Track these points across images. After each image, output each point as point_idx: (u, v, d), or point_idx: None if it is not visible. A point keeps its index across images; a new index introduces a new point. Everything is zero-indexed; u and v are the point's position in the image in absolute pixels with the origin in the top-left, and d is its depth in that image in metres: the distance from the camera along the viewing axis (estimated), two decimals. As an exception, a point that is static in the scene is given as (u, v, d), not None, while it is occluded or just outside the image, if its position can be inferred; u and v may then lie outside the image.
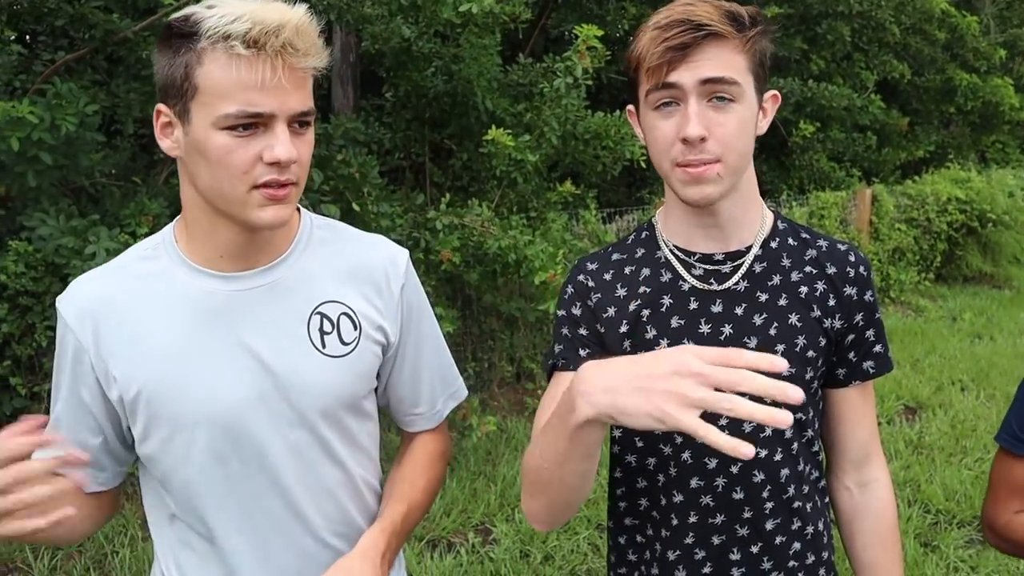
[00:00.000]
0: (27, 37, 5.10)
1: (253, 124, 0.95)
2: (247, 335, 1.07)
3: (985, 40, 10.24)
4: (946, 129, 10.78)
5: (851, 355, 1.20)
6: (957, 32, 9.69)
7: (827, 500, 1.29)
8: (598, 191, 6.39)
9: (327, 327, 1.10)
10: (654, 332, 1.18)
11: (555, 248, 4.22)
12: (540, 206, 5.20)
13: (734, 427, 1.15)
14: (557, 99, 4.61)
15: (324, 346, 1.10)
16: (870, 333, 1.21)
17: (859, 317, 1.19)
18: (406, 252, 1.21)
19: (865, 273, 1.19)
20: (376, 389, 1.22)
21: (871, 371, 1.21)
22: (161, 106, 1.00)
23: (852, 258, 1.20)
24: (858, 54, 9.09)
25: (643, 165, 5.63)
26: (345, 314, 1.12)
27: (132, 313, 1.06)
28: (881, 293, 7.92)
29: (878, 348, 1.22)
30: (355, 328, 1.12)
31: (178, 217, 1.12)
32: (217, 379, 1.05)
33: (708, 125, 1.04)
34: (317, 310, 1.10)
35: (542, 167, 4.91)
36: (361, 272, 1.15)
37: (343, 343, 1.11)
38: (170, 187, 4.49)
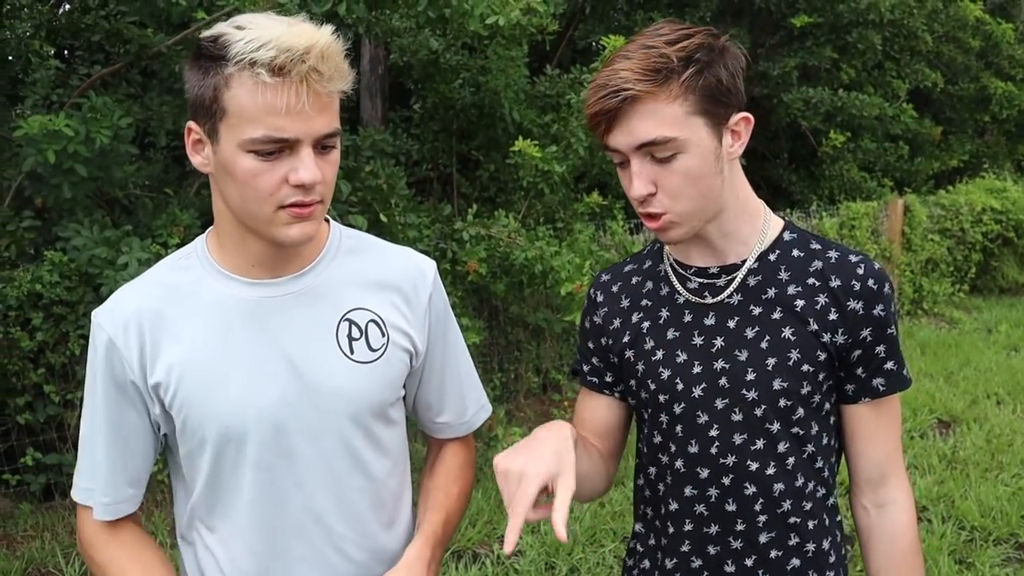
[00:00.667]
0: (65, 52, 5.23)
1: (279, 148, 0.97)
2: (279, 339, 1.09)
3: (1021, 48, 10.07)
4: (980, 138, 10.60)
5: (859, 371, 1.17)
6: (992, 40, 9.54)
7: (839, 519, 1.26)
8: (625, 202, 6.37)
9: (355, 333, 1.11)
10: (652, 343, 1.22)
11: (582, 259, 4.22)
12: (567, 217, 5.20)
13: (725, 433, 1.16)
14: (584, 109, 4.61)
15: (352, 352, 1.11)
16: (880, 349, 1.17)
17: (866, 332, 1.15)
18: (433, 263, 1.23)
19: (875, 287, 1.15)
20: (404, 398, 1.23)
21: (881, 388, 1.17)
22: (192, 124, 1.02)
23: (861, 271, 1.15)
24: (889, 63, 8.97)
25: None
26: (373, 321, 1.13)
27: (169, 321, 1.08)
28: (914, 305, 7.80)
29: (890, 365, 1.17)
30: (383, 335, 1.14)
31: (210, 228, 1.15)
32: (252, 381, 1.07)
33: (654, 179, 1.08)
34: (346, 317, 1.12)
35: (569, 178, 4.91)
36: (389, 281, 1.17)
37: (371, 349, 1.12)
38: (201, 198, 4.55)
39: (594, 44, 6.80)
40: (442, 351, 1.23)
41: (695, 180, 1.08)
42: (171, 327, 1.07)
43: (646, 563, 1.29)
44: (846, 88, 8.11)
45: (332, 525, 1.12)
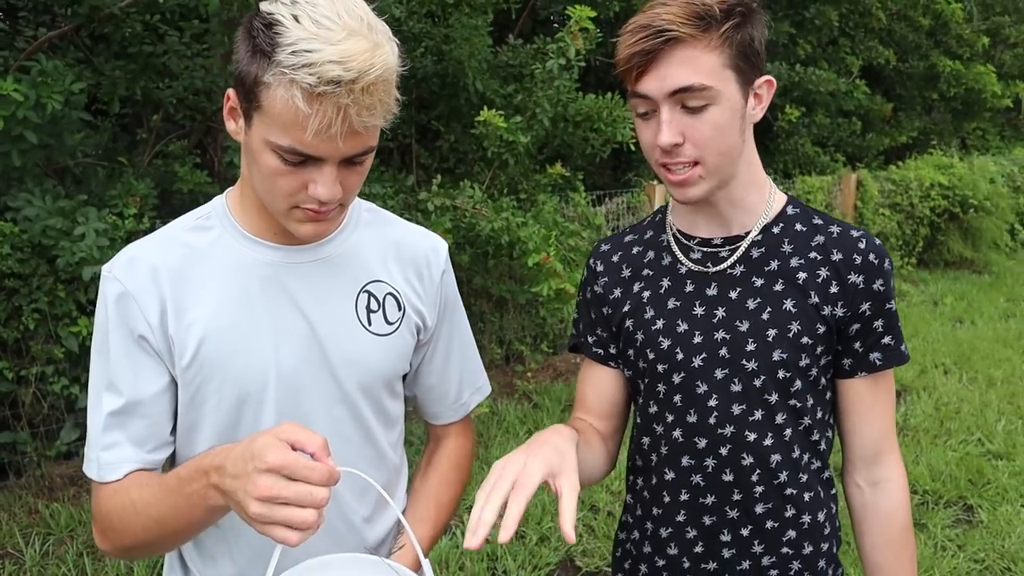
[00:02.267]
0: (6, 12, 4.99)
1: (303, 160, 0.94)
2: (300, 304, 1.07)
3: (968, 27, 10.32)
4: (928, 115, 10.86)
5: (857, 345, 1.18)
6: (941, 19, 9.76)
7: (833, 492, 1.27)
8: (586, 174, 6.38)
9: (373, 306, 1.10)
10: (652, 313, 1.21)
11: (548, 230, 4.21)
12: (530, 188, 5.18)
13: (724, 403, 1.16)
14: (549, 80, 4.58)
15: (370, 324, 1.10)
16: (878, 324, 1.17)
17: (865, 306, 1.16)
18: (445, 243, 1.21)
19: (876, 261, 1.15)
20: (405, 376, 1.21)
21: (878, 363, 1.17)
22: (231, 92, 0.98)
23: (862, 245, 1.16)
24: (844, 39, 9.12)
25: (632, 148, 5.63)
26: (391, 294, 1.12)
27: (190, 281, 1.04)
28: (864, 277, 7.99)
29: (887, 340, 1.18)
30: (399, 309, 1.13)
31: (230, 189, 1.12)
32: (274, 344, 1.05)
33: (683, 130, 1.06)
34: (365, 288, 1.11)
35: (532, 149, 4.89)
36: (405, 256, 1.16)
37: (387, 322, 1.11)
38: (155, 168, 4.42)
39: (553, 16, 6.73)
40: (449, 331, 1.22)
41: (723, 134, 1.07)
42: (193, 287, 1.04)
43: (636, 534, 1.29)
44: (802, 63, 8.21)
45: (343, 493, 1.11)
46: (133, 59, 3.97)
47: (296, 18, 0.90)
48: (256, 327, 1.05)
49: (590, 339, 1.31)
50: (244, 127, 0.98)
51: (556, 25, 7.69)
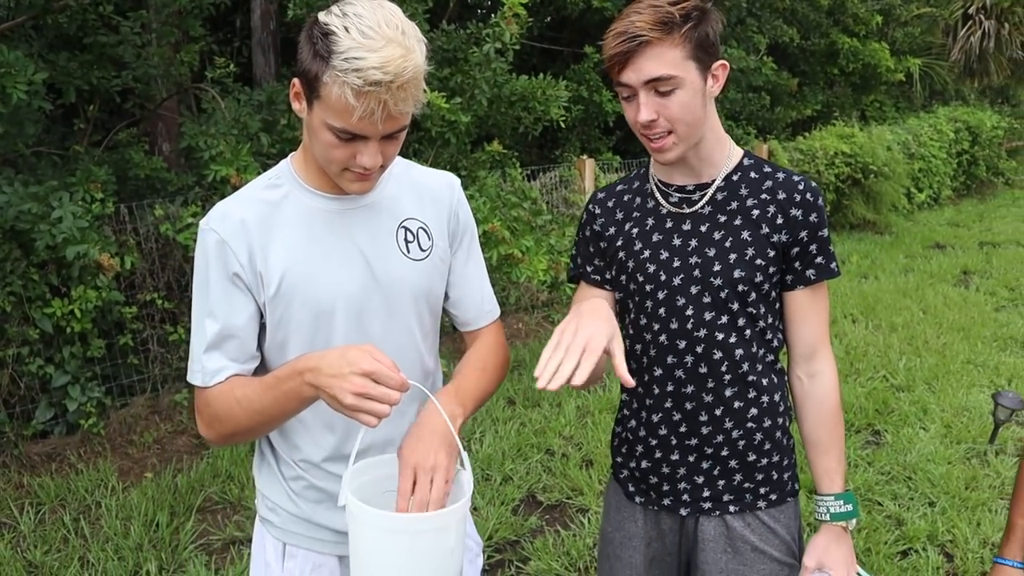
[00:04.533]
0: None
1: (352, 137, 1.22)
2: (355, 241, 1.34)
3: (863, 6, 11.00)
4: (831, 89, 11.53)
5: (796, 264, 1.46)
6: (839, -1, 10.39)
7: (785, 379, 1.54)
8: (520, 151, 6.68)
9: (409, 238, 1.39)
10: (640, 245, 1.50)
11: (492, 202, 4.51)
12: (469, 165, 5.46)
13: (698, 312, 1.43)
14: (487, 63, 4.86)
15: (409, 252, 1.38)
16: (813, 247, 1.45)
17: (803, 234, 1.44)
18: (458, 179, 1.50)
19: (811, 199, 1.44)
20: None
21: (812, 277, 1.46)
22: (296, 80, 1.25)
23: (801, 187, 1.45)
24: (751, 19, 9.63)
25: (561, 126, 5.97)
26: (422, 228, 1.41)
27: (270, 228, 1.31)
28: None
29: (820, 259, 1.46)
30: (429, 239, 1.41)
31: (293, 154, 1.39)
32: (339, 273, 1.32)
33: (657, 109, 1.34)
34: (402, 224, 1.39)
35: (472, 128, 5.17)
36: (427, 193, 1.44)
37: (421, 250, 1.40)
38: (109, 155, 4.53)
39: (481, 2, 7.00)
40: (467, 250, 1.50)
41: (688, 109, 1.35)
42: (272, 233, 1.31)
43: (633, 423, 1.56)
44: (714, 43, 8.65)
45: (404, 402, 1.34)
46: (89, 50, 4.08)
47: (347, 29, 1.17)
48: (323, 260, 1.32)
49: (589, 268, 1.58)
50: (307, 108, 1.25)
51: (480, 11, 7.96)
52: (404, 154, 1.39)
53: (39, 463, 3.74)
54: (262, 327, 1.35)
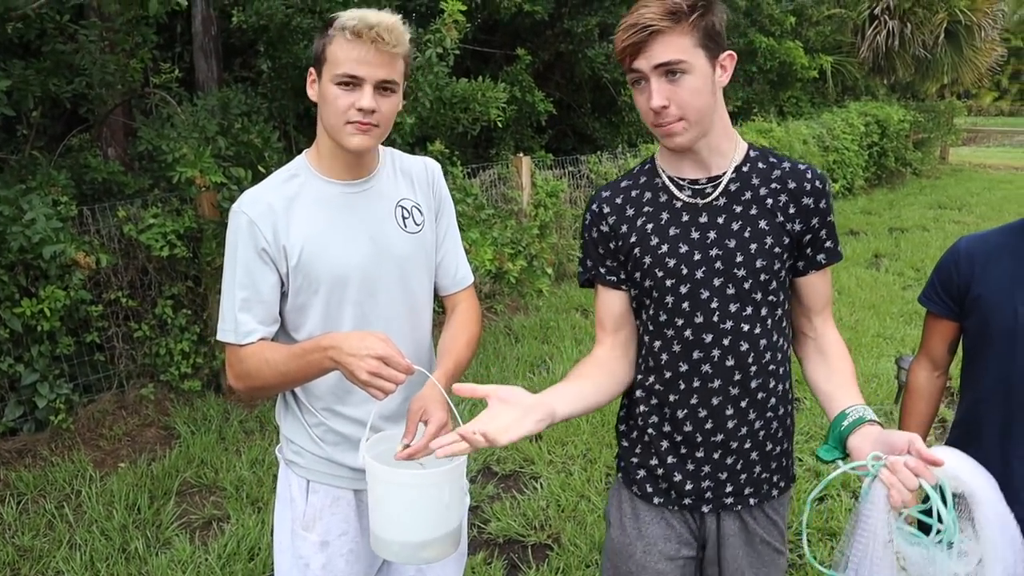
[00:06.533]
0: None
1: (352, 83, 1.49)
2: (361, 220, 1.61)
3: (778, 8, 11.59)
4: (750, 87, 12.09)
5: (808, 250, 1.47)
6: (755, 0, 10.93)
7: (790, 363, 1.54)
8: (465, 151, 6.95)
9: (405, 215, 1.66)
10: (656, 240, 1.48)
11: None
12: (414, 165, 5.69)
13: (723, 304, 1.43)
14: (429, 67, 5.13)
15: (405, 227, 1.66)
16: (823, 233, 1.46)
17: (815, 221, 1.45)
18: (436, 162, 1.77)
19: (820, 186, 1.45)
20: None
21: (823, 261, 1.48)
22: (312, 71, 1.54)
23: (809, 175, 1.46)
24: (674, 21, 10.06)
25: (498, 126, 6.27)
26: (415, 206, 1.69)
27: (291, 211, 1.57)
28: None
29: (829, 244, 1.48)
30: (421, 215, 1.69)
31: (306, 150, 1.65)
32: (349, 246, 1.59)
33: (668, 95, 1.35)
34: (399, 204, 1.67)
35: (416, 129, 5.42)
36: (413, 176, 1.72)
37: (416, 224, 1.68)
38: (68, 161, 4.65)
39: (420, 7, 7.23)
40: (446, 224, 1.77)
41: (698, 95, 1.36)
42: (293, 214, 1.57)
43: (654, 419, 1.53)
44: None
45: (403, 350, 1.58)
46: (47, 57, 4.20)
47: (344, 10, 1.49)
48: (336, 236, 1.59)
49: (602, 270, 1.55)
50: (318, 82, 1.53)
51: (414, 15, 8.18)
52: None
53: (11, 459, 3.87)
54: (283, 295, 1.61)
